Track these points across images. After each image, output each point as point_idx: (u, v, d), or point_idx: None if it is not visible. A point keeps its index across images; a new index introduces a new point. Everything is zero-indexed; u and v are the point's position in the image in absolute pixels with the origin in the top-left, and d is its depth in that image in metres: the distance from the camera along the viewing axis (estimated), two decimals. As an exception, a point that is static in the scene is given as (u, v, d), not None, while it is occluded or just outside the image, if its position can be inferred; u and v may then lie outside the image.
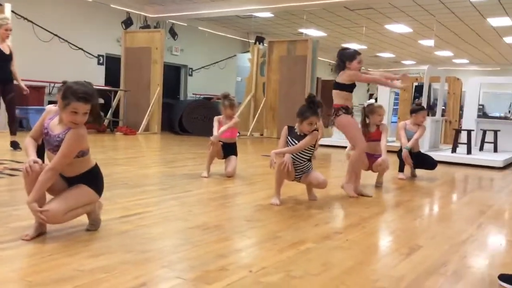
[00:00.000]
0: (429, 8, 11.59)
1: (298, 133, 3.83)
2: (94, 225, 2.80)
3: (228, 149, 5.18)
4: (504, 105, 13.02)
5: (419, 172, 5.92)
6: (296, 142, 3.79)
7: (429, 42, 15.45)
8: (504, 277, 2.24)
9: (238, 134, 5.58)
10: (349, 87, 4.32)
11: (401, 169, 5.71)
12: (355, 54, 4.33)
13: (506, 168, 7.36)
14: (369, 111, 4.94)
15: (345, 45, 17.83)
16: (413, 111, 5.89)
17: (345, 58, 4.31)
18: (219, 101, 14.70)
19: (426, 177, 5.94)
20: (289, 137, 3.86)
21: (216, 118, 5.20)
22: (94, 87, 2.71)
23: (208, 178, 4.93)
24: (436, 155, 7.66)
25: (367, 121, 4.95)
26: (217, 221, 3.20)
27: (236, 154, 5.26)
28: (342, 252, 2.66)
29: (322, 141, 10.42)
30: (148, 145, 8.95)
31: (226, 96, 5.20)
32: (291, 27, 15.07)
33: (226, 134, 5.11)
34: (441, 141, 9.84)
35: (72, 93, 2.52)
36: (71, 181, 2.69)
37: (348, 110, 4.35)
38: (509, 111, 11.95)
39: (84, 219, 2.98)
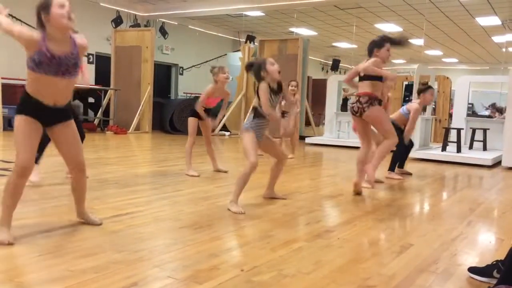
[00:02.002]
0: (418, 8, 11.66)
1: (273, 88, 3.67)
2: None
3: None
4: (489, 104, 13.16)
5: (411, 170, 5.96)
6: (274, 98, 3.65)
7: (419, 41, 15.55)
8: (473, 269, 2.35)
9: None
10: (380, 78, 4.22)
11: (392, 168, 5.74)
12: (382, 41, 4.26)
13: (495, 166, 7.43)
14: None
15: (335, 44, 17.93)
16: (420, 91, 5.85)
17: (374, 45, 4.27)
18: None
19: (416, 175, 5.99)
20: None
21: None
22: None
23: (198, 177, 4.92)
24: (426, 154, 7.75)
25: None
26: (208, 220, 3.20)
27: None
28: (334, 250, 2.67)
29: (313, 139, 10.45)
30: (139, 145, 8.91)
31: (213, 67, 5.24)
32: (282, 26, 15.08)
33: (214, 102, 5.24)
34: (431, 140, 9.91)
35: None
36: (58, 110, 2.60)
37: (381, 102, 4.27)
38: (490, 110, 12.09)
39: (77, 219, 2.96)
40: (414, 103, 5.77)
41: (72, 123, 2.70)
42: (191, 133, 5.18)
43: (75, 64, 2.56)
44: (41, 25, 2.49)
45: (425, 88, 5.88)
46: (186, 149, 5.18)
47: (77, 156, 2.73)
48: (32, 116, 2.53)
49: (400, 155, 5.84)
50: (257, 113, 3.60)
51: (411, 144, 5.94)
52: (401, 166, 5.92)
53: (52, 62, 2.46)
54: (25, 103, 2.55)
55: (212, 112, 5.29)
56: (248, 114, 4.02)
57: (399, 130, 5.68)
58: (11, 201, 2.54)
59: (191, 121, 5.17)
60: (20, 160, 2.49)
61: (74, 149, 2.71)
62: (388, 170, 5.71)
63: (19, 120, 2.52)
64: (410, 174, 5.98)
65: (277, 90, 3.65)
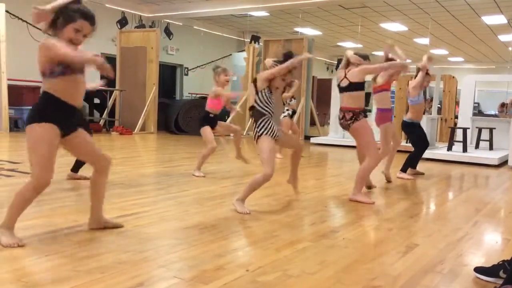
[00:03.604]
0: (424, 7, 11.62)
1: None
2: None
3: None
4: (499, 103, 13.08)
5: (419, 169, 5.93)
6: (270, 96, 3.59)
7: (424, 41, 15.48)
8: (479, 270, 2.34)
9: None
10: (363, 85, 4.19)
11: (404, 169, 5.71)
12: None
13: (501, 166, 7.39)
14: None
15: (340, 44, 17.89)
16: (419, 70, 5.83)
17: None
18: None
19: (423, 174, 5.96)
20: (265, 92, 3.60)
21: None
22: None
23: (204, 177, 4.93)
24: (432, 153, 7.71)
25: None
26: (213, 220, 3.20)
27: None
28: (339, 250, 2.67)
29: (318, 139, 10.44)
30: (144, 145, 8.93)
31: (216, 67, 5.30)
32: (287, 26, 15.07)
33: (220, 106, 5.21)
34: (437, 139, 9.87)
35: (81, 12, 2.46)
36: (75, 119, 2.60)
37: (366, 113, 4.23)
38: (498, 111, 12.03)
39: (82, 219, 2.97)
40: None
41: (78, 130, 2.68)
42: (210, 141, 5.06)
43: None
44: (54, 25, 2.48)
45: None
46: (204, 155, 5.11)
47: (101, 153, 2.72)
48: (56, 123, 2.45)
49: (416, 157, 5.80)
50: (256, 112, 3.58)
51: (426, 145, 5.88)
52: (414, 166, 5.89)
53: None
54: (49, 108, 2.45)
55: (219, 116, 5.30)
56: (250, 119, 4.04)
57: (418, 127, 5.70)
58: (20, 209, 2.51)
59: (206, 130, 5.07)
60: (42, 177, 2.42)
61: (94, 146, 2.70)
62: (401, 170, 5.68)
63: (43, 129, 2.42)
64: (422, 174, 5.95)
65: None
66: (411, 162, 5.76)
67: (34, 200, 2.52)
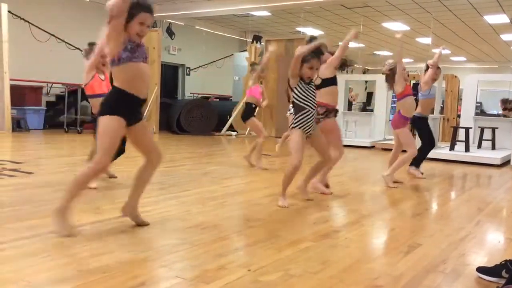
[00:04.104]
0: (426, 6, 11.60)
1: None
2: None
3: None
4: (500, 99, 13.04)
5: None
6: (306, 87, 3.61)
7: (427, 40, 15.46)
8: (482, 269, 2.34)
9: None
10: (333, 80, 4.26)
11: (417, 163, 5.70)
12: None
13: (504, 166, 7.38)
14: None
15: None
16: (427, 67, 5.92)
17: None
18: (216, 100, 14.67)
19: (424, 174, 5.94)
20: (300, 86, 3.64)
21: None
22: None
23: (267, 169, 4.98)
24: (434, 153, 7.70)
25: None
26: (215, 220, 3.20)
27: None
28: (341, 250, 2.66)
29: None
30: (146, 145, 8.93)
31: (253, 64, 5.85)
32: (289, 26, 15.06)
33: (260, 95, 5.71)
34: (439, 139, 9.85)
35: (141, 4, 2.61)
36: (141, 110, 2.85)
37: (337, 113, 4.31)
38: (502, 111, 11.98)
39: (84, 219, 2.98)
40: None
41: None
42: (261, 130, 5.63)
43: (146, 58, 2.76)
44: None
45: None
46: (259, 144, 5.54)
47: (156, 147, 2.90)
48: (124, 116, 2.64)
49: (425, 154, 5.82)
50: (296, 106, 3.63)
51: (432, 145, 5.89)
52: (418, 165, 5.89)
53: (139, 49, 2.67)
54: (119, 101, 2.65)
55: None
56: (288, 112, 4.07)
57: (427, 123, 5.78)
58: (76, 192, 2.68)
59: (254, 122, 5.62)
60: (103, 161, 2.62)
61: (152, 142, 2.90)
62: (410, 165, 5.69)
63: (112, 121, 2.62)
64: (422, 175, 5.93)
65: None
66: (421, 158, 5.78)
67: (83, 188, 2.74)
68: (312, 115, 3.65)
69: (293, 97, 3.63)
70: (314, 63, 3.60)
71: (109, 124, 2.61)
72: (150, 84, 2.76)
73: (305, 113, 3.60)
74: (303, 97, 3.60)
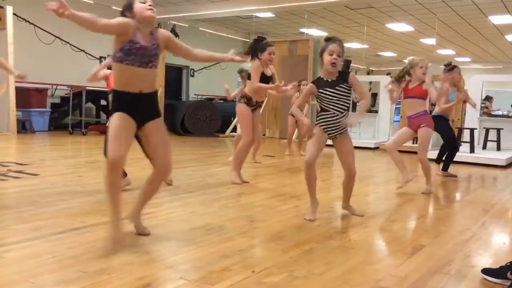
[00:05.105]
0: (430, 7, 11.57)
1: (328, 80, 3.34)
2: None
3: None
4: (507, 103, 13.00)
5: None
6: (331, 91, 3.32)
7: (431, 41, 15.42)
8: (487, 271, 2.33)
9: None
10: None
11: (442, 162, 5.76)
12: (266, 45, 4.74)
13: (509, 167, 7.34)
14: (410, 66, 4.74)
15: (346, 45, 17.86)
16: (448, 71, 5.74)
17: (258, 49, 4.71)
18: (221, 102, 14.68)
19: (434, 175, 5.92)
20: (320, 90, 3.35)
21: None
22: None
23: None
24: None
25: (407, 78, 4.79)
26: (220, 221, 3.20)
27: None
28: (345, 251, 2.66)
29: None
30: (151, 146, 8.95)
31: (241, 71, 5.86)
32: (292, 27, 15.07)
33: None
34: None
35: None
36: (150, 107, 2.66)
37: (249, 101, 4.74)
38: (510, 110, 11.94)
39: (90, 220, 2.99)
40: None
41: (160, 121, 2.70)
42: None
43: (156, 55, 2.63)
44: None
45: (451, 67, 5.77)
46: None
47: (165, 155, 2.69)
48: (125, 111, 2.56)
49: (449, 155, 5.85)
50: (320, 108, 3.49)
51: (456, 147, 5.88)
52: (445, 168, 5.94)
53: (139, 52, 2.53)
54: (116, 100, 2.60)
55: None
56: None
57: (446, 121, 5.78)
58: (112, 200, 2.52)
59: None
60: (109, 155, 2.49)
61: (163, 148, 2.69)
62: (442, 169, 5.77)
63: (113, 117, 2.56)
64: (455, 176, 5.94)
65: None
66: (445, 162, 5.79)
67: (119, 186, 2.60)
68: (333, 120, 3.39)
69: (317, 102, 3.53)
70: (334, 49, 3.34)
71: (111, 121, 2.56)
72: (147, 86, 2.61)
73: (327, 114, 3.40)
74: (326, 102, 3.41)
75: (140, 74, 2.56)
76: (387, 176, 5.33)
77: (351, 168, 3.59)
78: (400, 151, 4.88)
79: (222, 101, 14.73)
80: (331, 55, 3.27)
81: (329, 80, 3.34)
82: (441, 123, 5.71)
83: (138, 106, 2.59)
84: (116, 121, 2.54)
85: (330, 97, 3.33)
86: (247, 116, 4.74)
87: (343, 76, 3.33)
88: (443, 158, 6.03)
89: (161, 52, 2.69)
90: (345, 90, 3.34)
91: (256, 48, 4.72)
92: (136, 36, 2.54)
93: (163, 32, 2.73)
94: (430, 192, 4.69)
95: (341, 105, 3.36)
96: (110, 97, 2.82)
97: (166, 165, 2.71)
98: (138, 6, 2.58)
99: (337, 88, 3.32)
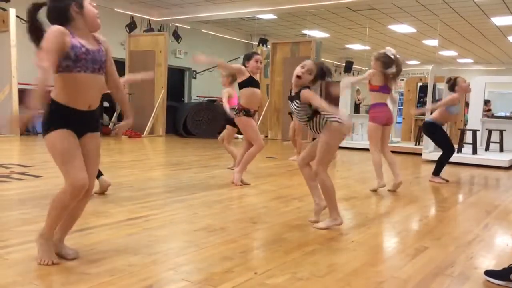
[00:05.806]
0: (432, 8, 11.57)
1: (290, 92, 3.28)
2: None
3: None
4: (509, 104, 12.98)
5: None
6: (290, 102, 3.27)
7: (433, 42, 15.42)
8: (490, 273, 2.32)
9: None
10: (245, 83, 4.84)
11: (437, 172, 5.64)
12: (253, 54, 4.95)
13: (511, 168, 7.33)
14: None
15: (348, 46, 17.88)
16: (452, 86, 5.70)
17: (244, 58, 4.98)
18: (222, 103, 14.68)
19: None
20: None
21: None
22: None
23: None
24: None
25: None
26: (222, 223, 3.21)
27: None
28: (348, 253, 2.66)
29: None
30: (153, 148, 8.98)
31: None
32: (294, 29, 15.08)
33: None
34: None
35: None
36: (91, 116, 2.35)
37: (248, 112, 4.79)
38: None
39: (92, 222, 3.00)
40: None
41: (98, 135, 2.42)
42: (229, 137, 6.08)
43: (105, 61, 2.36)
44: (65, 19, 2.28)
45: (453, 82, 5.72)
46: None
47: (91, 175, 2.33)
48: (66, 127, 2.24)
49: (446, 160, 5.75)
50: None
51: (452, 151, 5.79)
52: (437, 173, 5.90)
53: (88, 57, 2.23)
54: (54, 115, 2.24)
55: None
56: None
57: (441, 128, 5.74)
58: (57, 218, 2.29)
59: (228, 128, 5.92)
60: (74, 179, 2.19)
61: (91, 168, 2.34)
62: (432, 174, 5.66)
63: (55, 137, 2.22)
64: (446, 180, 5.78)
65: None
66: (441, 165, 5.72)
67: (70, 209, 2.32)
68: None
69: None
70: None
71: (57, 140, 2.23)
72: (96, 98, 2.32)
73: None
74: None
75: (91, 82, 2.27)
76: (389, 178, 5.32)
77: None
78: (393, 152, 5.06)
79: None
80: (302, 67, 3.18)
81: (291, 93, 3.25)
82: (437, 132, 5.73)
83: (82, 122, 2.30)
84: (65, 140, 2.22)
85: (292, 109, 3.27)
86: (250, 125, 4.84)
87: (299, 92, 3.15)
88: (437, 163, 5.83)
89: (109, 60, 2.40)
90: (299, 107, 3.18)
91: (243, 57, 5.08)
92: (77, 40, 2.23)
93: (106, 41, 2.43)
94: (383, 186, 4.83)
95: (300, 117, 3.24)
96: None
97: (90, 187, 2.35)
98: (90, 10, 2.30)
99: (293, 102, 3.23)
